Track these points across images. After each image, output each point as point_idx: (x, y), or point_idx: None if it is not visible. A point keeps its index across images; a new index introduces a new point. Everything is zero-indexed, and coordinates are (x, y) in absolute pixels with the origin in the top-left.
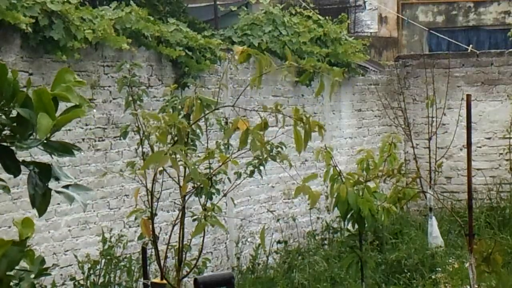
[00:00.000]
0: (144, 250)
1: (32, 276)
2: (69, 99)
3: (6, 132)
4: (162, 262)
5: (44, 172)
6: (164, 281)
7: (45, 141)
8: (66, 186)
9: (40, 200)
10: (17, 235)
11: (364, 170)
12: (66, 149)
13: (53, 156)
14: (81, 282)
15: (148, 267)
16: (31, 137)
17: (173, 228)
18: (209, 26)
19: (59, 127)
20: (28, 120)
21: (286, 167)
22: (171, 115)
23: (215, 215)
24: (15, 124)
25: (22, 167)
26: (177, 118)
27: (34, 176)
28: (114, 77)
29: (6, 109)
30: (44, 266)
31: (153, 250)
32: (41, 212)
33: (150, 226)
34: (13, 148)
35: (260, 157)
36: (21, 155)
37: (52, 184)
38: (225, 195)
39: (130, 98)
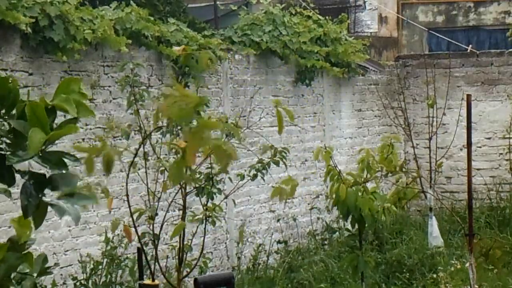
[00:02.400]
0: (139, 251)
1: (34, 275)
2: (67, 110)
3: (4, 140)
4: (154, 263)
5: (39, 182)
6: (156, 282)
7: (40, 154)
8: (69, 194)
9: (34, 211)
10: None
11: (365, 168)
12: (60, 161)
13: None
14: (82, 282)
15: (150, 268)
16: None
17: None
18: (209, 26)
19: (53, 141)
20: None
21: (288, 166)
22: (103, 142)
23: (216, 215)
24: (12, 134)
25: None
26: (107, 147)
27: (29, 186)
28: (114, 77)
29: (6, 117)
30: (46, 265)
31: (153, 250)
32: (37, 224)
33: (132, 232)
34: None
35: (264, 161)
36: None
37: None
38: (226, 197)
39: (132, 98)
